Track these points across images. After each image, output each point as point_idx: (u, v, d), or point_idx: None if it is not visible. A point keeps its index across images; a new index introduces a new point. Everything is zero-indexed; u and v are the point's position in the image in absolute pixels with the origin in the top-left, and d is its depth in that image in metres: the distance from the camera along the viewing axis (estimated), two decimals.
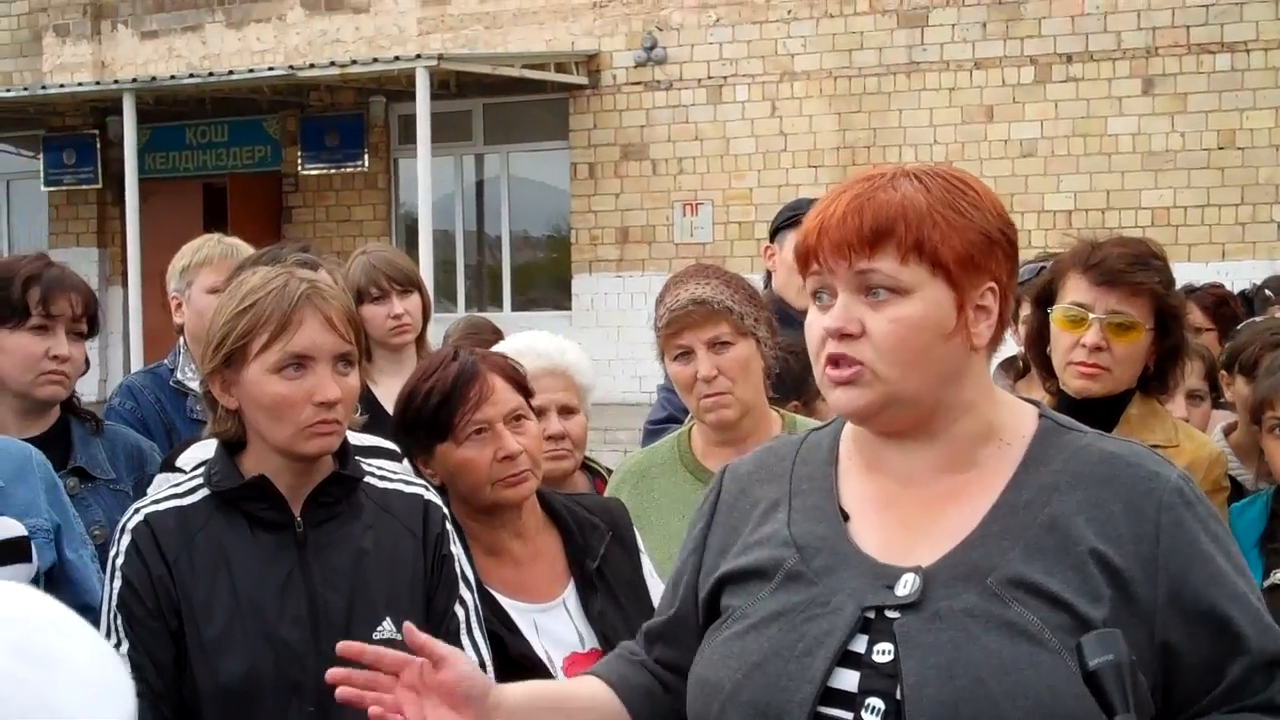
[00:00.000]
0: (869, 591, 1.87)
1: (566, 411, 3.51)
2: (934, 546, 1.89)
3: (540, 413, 3.36)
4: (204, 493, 2.62)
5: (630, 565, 3.00)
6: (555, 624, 2.94)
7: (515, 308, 17.79)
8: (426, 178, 16.11)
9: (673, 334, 3.26)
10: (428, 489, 2.76)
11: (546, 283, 18.41)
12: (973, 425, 1.94)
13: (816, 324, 1.93)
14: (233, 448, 2.65)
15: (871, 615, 1.85)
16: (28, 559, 2.80)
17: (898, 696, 1.79)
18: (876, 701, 1.80)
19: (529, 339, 3.60)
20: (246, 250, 4.24)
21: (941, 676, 1.77)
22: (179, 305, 4.24)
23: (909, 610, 1.84)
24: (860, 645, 1.84)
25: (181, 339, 4.24)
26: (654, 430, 4.32)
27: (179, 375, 4.16)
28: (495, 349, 3.39)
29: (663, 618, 2.14)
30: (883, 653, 1.82)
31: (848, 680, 1.83)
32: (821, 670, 1.82)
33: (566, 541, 3.02)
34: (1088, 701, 1.66)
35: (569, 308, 17.45)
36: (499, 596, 2.91)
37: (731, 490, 2.08)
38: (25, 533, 2.77)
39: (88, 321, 3.47)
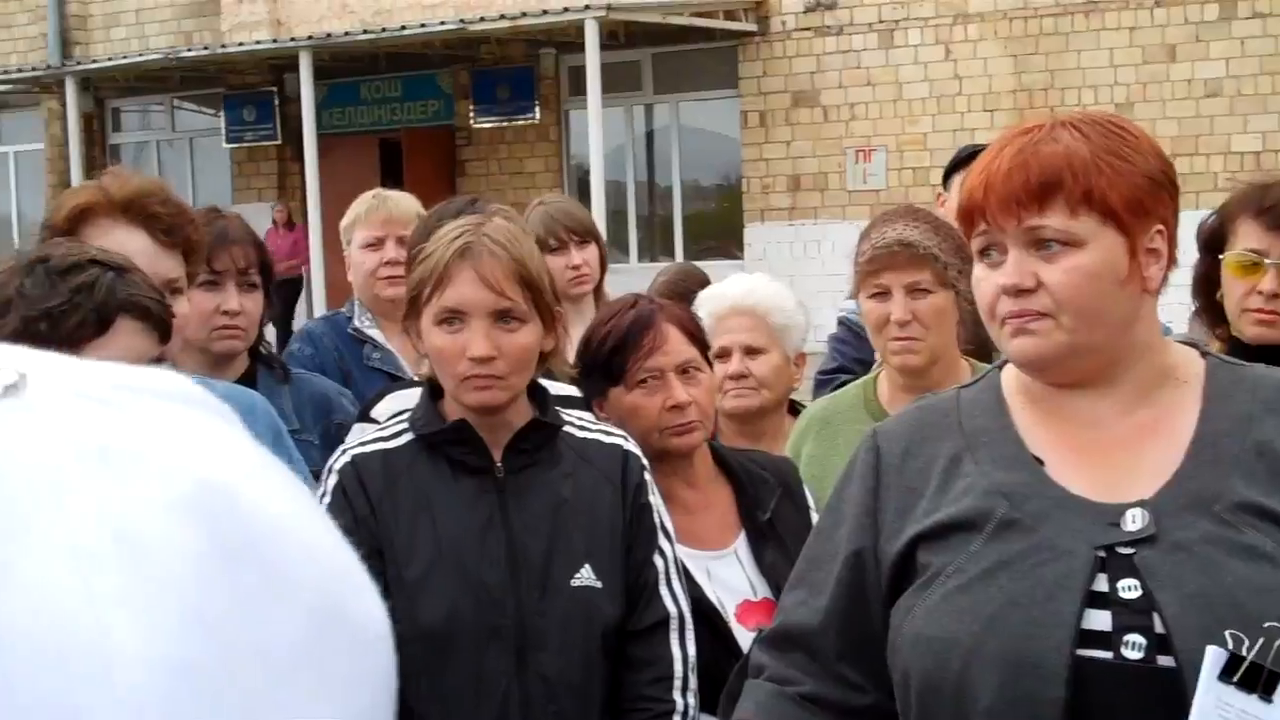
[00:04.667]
0: (1095, 531, 1.85)
1: (752, 352, 3.49)
2: (1146, 482, 1.89)
3: (724, 353, 3.36)
4: (408, 437, 2.65)
5: (801, 522, 2.98)
6: (727, 572, 2.95)
7: (687, 257, 17.74)
8: (597, 129, 16.14)
9: (872, 272, 3.20)
10: (627, 439, 2.76)
11: (718, 232, 18.36)
12: (1150, 366, 1.96)
13: (987, 281, 1.93)
14: (436, 393, 2.69)
15: (1103, 554, 1.84)
16: None
17: (1157, 630, 1.78)
18: (1136, 638, 1.79)
19: (724, 283, 3.62)
20: (401, 201, 4.31)
21: (1199, 605, 1.77)
22: (348, 261, 4.33)
23: (1144, 545, 1.83)
24: (1101, 584, 1.82)
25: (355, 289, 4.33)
26: (824, 380, 4.28)
27: (356, 323, 4.22)
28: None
29: (822, 608, 2.02)
30: (1129, 589, 1.81)
31: (1099, 620, 1.81)
32: (1073, 613, 1.79)
33: (738, 493, 3.02)
34: None
35: (741, 257, 17.39)
36: None
37: (893, 451, 2.04)
38: None
39: (260, 271, 3.50)
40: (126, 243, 2.58)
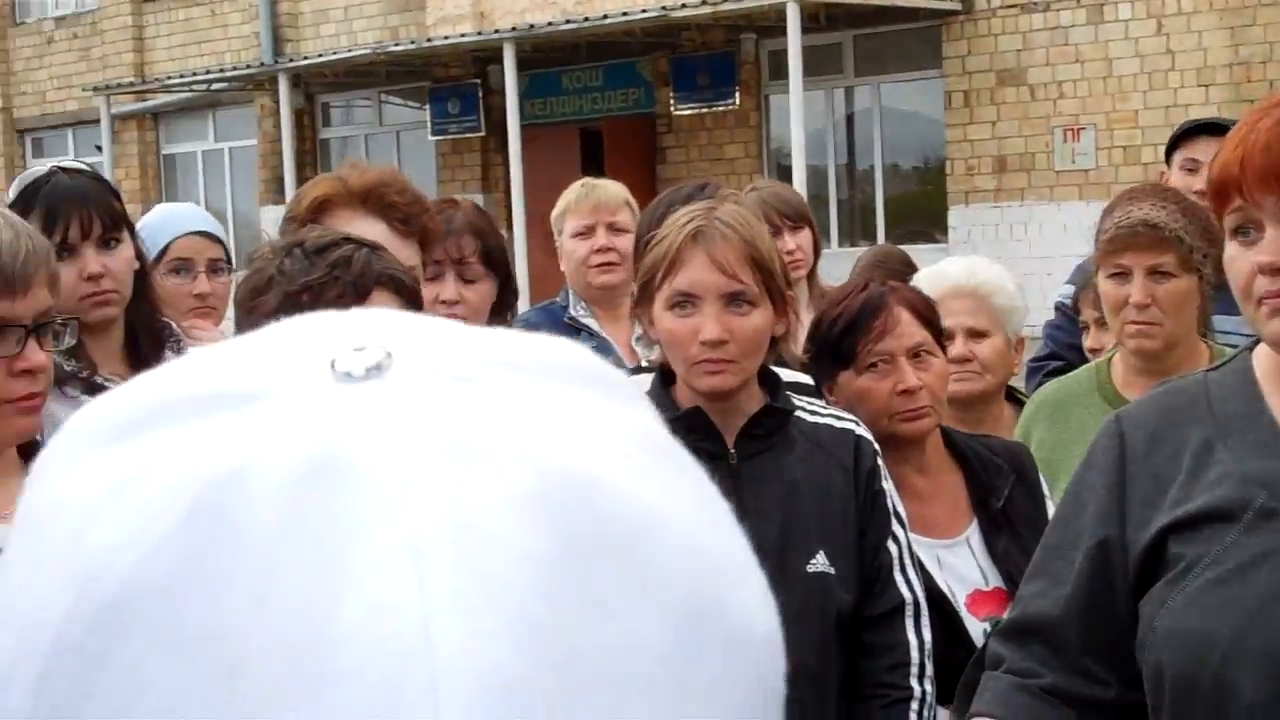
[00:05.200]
0: None
1: (975, 335, 3.44)
2: None
3: (947, 336, 3.32)
4: None
5: (1035, 509, 2.94)
6: (958, 560, 2.92)
7: (889, 241, 17.58)
8: (799, 113, 16.06)
9: (1113, 251, 3.13)
10: (858, 424, 2.76)
11: (920, 215, 18.13)
12: None
13: (1242, 259, 1.86)
14: (667, 379, 2.71)
15: None
16: None
17: None
18: None
19: (944, 263, 3.61)
20: (609, 189, 4.33)
21: None
22: (559, 251, 4.35)
23: None
24: None
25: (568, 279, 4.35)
26: (1036, 368, 4.23)
27: (572, 311, 4.25)
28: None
29: (1063, 598, 1.96)
30: None
31: None
32: None
33: (970, 480, 2.98)
34: None
35: (945, 240, 17.15)
36: None
37: (1138, 438, 1.97)
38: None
39: (483, 261, 3.51)
40: (366, 232, 2.64)
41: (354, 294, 2.26)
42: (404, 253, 2.73)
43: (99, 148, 22.14)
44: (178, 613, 0.46)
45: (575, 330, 4.21)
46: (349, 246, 2.31)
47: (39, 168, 3.11)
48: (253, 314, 2.25)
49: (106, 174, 22.27)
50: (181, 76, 21.77)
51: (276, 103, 20.79)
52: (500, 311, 3.62)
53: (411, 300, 2.36)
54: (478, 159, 20.88)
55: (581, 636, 0.47)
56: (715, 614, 0.51)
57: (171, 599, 0.46)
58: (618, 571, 0.49)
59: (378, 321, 0.54)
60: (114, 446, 0.50)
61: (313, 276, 2.25)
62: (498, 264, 3.53)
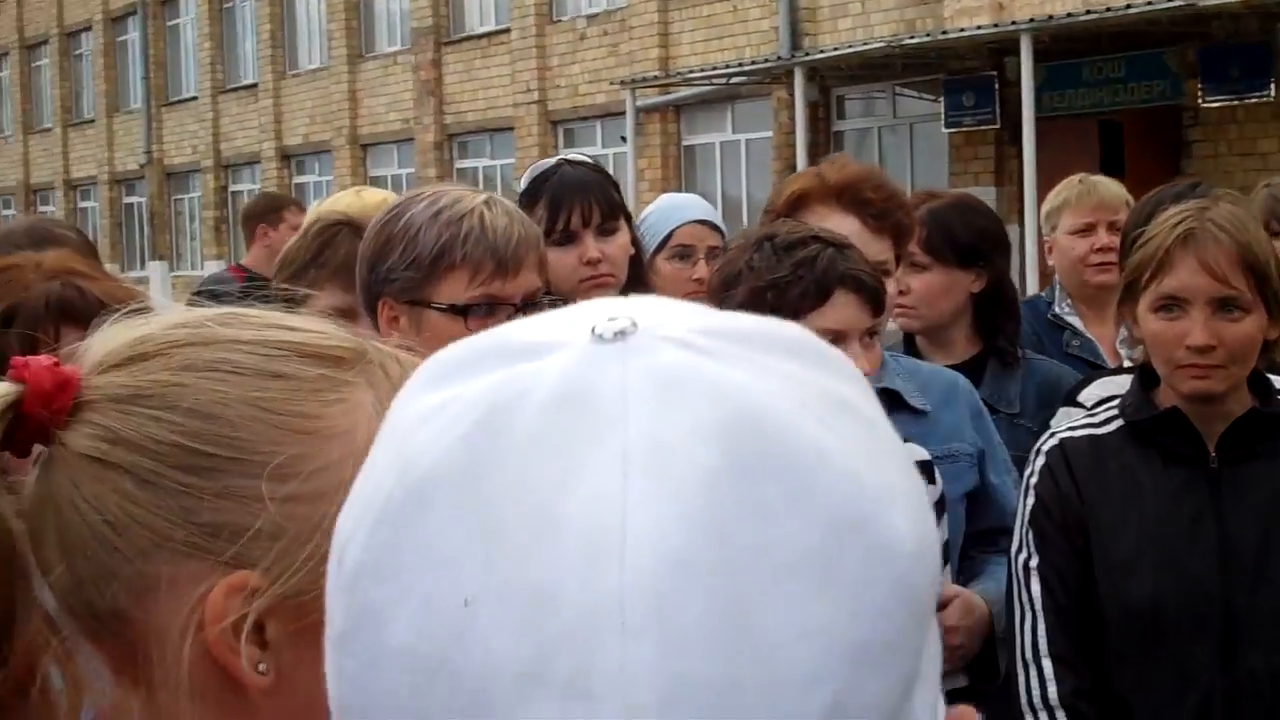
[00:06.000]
0: None
1: None
2: None
3: None
4: (1119, 423, 2.68)
5: None
6: None
7: None
8: None
9: None
10: None
11: None
12: None
13: None
14: (1148, 380, 2.68)
15: None
16: (931, 481, 2.89)
17: None
18: None
19: None
20: (1110, 186, 4.24)
21: None
22: (1050, 247, 4.29)
23: None
24: None
25: (1057, 275, 4.29)
26: None
27: (1056, 309, 4.19)
28: None
29: None
30: None
31: None
32: None
33: None
34: None
35: None
36: None
37: None
38: (928, 457, 2.84)
39: (928, 252, 3.53)
40: (840, 227, 2.71)
41: (816, 293, 2.34)
42: (874, 247, 2.78)
43: (624, 139, 23.11)
44: (461, 492, 0.64)
45: (1059, 328, 4.16)
46: (815, 245, 2.39)
47: (549, 160, 3.35)
48: (723, 305, 2.35)
49: (629, 164, 22.87)
50: (703, 70, 22.46)
51: (792, 95, 21.15)
52: (985, 303, 3.60)
53: (872, 299, 2.42)
54: (991, 151, 20.59)
55: (741, 529, 0.62)
56: (861, 527, 0.64)
57: (458, 482, 0.65)
58: (778, 485, 0.63)
59: (639, 303, 0.71)
60: (441, 381, 0.70)
61: (779, 274, 2.35)
62: (944, 256, 3.53)
